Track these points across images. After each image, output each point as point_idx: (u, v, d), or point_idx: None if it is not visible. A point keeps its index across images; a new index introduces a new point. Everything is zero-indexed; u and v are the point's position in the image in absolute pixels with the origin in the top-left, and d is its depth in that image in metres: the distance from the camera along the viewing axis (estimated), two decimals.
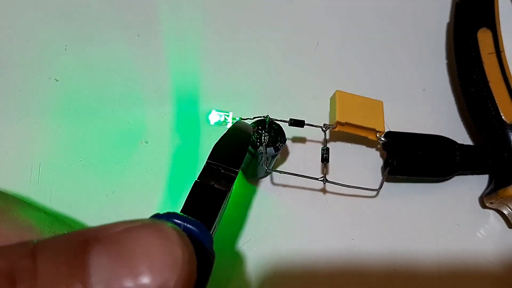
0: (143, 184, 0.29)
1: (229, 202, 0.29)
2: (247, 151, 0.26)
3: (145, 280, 0.11)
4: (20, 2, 0.34)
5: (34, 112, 0.30)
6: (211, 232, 0.17)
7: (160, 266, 0.11)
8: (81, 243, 0.11)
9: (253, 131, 0.26)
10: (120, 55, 0.33)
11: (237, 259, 0.28)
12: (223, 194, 0.19)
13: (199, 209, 0.18)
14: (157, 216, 0.14)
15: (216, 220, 0.18)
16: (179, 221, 0.14)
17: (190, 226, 0.14)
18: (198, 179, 0.19)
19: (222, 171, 0.20)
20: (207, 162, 0.20)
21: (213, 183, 0.19)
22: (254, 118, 0.27)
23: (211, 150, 0.21)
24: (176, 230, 0.12)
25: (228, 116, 0.29)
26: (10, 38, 0.33)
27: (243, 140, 0.23)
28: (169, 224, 0.12)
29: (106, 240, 0.11)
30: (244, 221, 0.29)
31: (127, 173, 0.29)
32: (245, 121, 0.27)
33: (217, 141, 0.21)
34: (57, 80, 0.32)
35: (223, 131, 0.23)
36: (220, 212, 0.18)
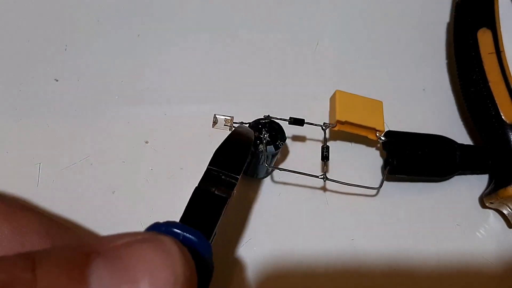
0: (143, 184, 0.29)
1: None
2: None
3: None
4: (20, 2, 0.34)
5: (34, 112, 0.30)
6: (210, 239, 0.17)
7: (161, 282, 0.11)
8: (81, 256, 0.11)
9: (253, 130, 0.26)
10: (120, 55, 0.33)
11: (237, 259, 0.28)
12: (223, 201, 0.18)
13: (199, 216, 0.17)
14: (156, 225, 0.14)
15: (216, 227, 0.18)
16: (178, 231, 0.14)
17: (190, 236, 0.14)
18: (198, 185, 0.19)
19: (223, 177, 0.19)
20: (208, 168, 0.20)
21: (213, 189, 0.19)
22: (254, 121, 0.27)
23: (212, 156, 0.20)
24: (177, 245, 0.12)
25: (230, 120, 0.29)
26: (10, 38, 0.33)
27: (244, 146, 0.22)
28: (171, 238, 0.12)
29: (106, 253, 0.11)
30: (244, 221, 0.29)
31: (127, 173, 0.29)
32: (246, 125, 0.26)
33: (218, 146, 0.21)
34: (57, 80, 0.32)
35: (224, 132, 0.23)
36: (220, 219, 0.18)
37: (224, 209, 0.18)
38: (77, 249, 0.12)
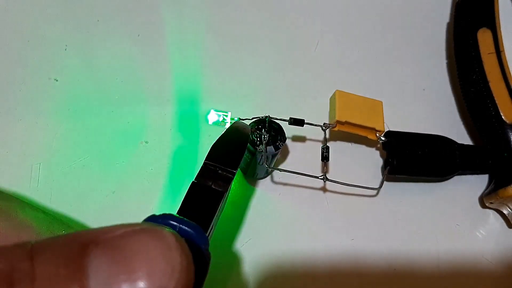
0: (143, 184, 0.29)
1: (228, 202, 0.29)
2: (247, 151, 0.26)
3: (143, 285, 0.11)
4: (20, 2, 0.34)
5: (34, 112, 0.30)
6: (207, 232, 0.17)
7: (158, 272, 0.11)
8: (79, 246, 0.11)
9: (253, 130, 0.26)
10: (120, 55, 0.33)
11: (237, 259, 0.28)
12: (220, 195, 0.19)
13: (196, 209, 0.18)
14: (153, 217, 0.14)
15: (213, 220, 0.18)
16: (175, 223, 0.14)
17: (186, 228, 0.14)
18: (195, 179, 0.19)
19: (220, 171, 0.20)
20: (204, 163, 0.20)
21: (210, 183, 0.19)
22: (253, 118, 0.27)
23: (209, 151, 0.21)
24: (175, 236, 0.12)
25: (226, 116, 0.29)
26: (10, 38, 0.33)
27: (241, 141, 0.23)
28: (168, 229, 0.12)
29: (105, 243, 0.11)
30: (244, 221, 0.29)
31: (127, 173, 0.29)
32: (243, 121, 0.27)
33: (215, 141, 0.21)
34: (57, 80, 0.32)
35: (222, 131, 0.23)
36: (217, 213, 0.18)
37: (221, 203, 0.19)
38: (74, 239, 0.12)
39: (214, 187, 0.19)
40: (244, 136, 0.23)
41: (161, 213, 0.15)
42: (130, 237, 0.12)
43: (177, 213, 0.17)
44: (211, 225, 0.18)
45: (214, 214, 0.18)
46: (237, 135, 0.23)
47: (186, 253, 0.12)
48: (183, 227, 0.14)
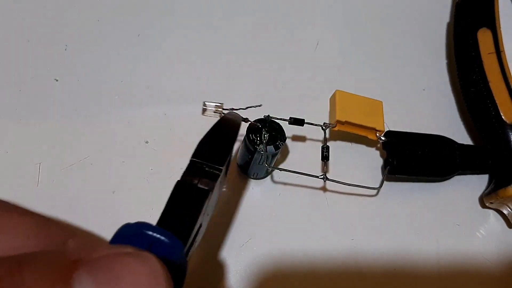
0: (143, 184, 0.29)
1: (227, 202, 0.29)
2: (247, 150, 0.26)
3: None
4: (20, 2, 0.34)
5: (34, 112, 0.30)
6: (193, 232, 0.17)
7: None
8: (67, 264, 0.12)
9: (252, 127, 0.26)
10: (120, 55, 0.33)
11: (237, 259, 0.28)
12: (205, 194, 0.18)
13: (181, 209, 0.17)
14: (127, 225, 0.14)
15: (199, 219, 0.17)
16: (149, 232, 0.14)
17: (160, 237, 0.14)
18: (181, 178, 0.18)
19: (207, 169, 0.19)
20: (191, 160, 0.19)
21: (196, 182, 0.18)
22: (246, 108, 0.26)
23: (196, 147, 0.20)
24: (160, 263, 0.12)
25: (220, 107, 0.28)
26: (10, 38, 0.33)
27: (230, 132, 0.21)
28: (154, 256, 0.12)
29: (92, 264, 0.12)
30: (244, 221, 0.29)
31: (127, 173, 0.29)
32: (235, 111, 0.25)
33: (202, 137, 0.20)
34: (57, 80, 0.32)
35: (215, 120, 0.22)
36: (203, 212, 0.18)
37: (207, 201, 0.18)
38: (63, 256, 0.12)
39: (200, 185, 0.18)
40: (234, 126, 0.22)
41: (136, 221, 0.14)
42: (117, 260, 0.12)
43: (161, 213, 0.17)
44: (198, 224, 0.17)
45: (199, 213, 0.17)
46: (226, 128, 0.22)
47: (169, 281, 0.12)
48: (156, 235, 0.14)
